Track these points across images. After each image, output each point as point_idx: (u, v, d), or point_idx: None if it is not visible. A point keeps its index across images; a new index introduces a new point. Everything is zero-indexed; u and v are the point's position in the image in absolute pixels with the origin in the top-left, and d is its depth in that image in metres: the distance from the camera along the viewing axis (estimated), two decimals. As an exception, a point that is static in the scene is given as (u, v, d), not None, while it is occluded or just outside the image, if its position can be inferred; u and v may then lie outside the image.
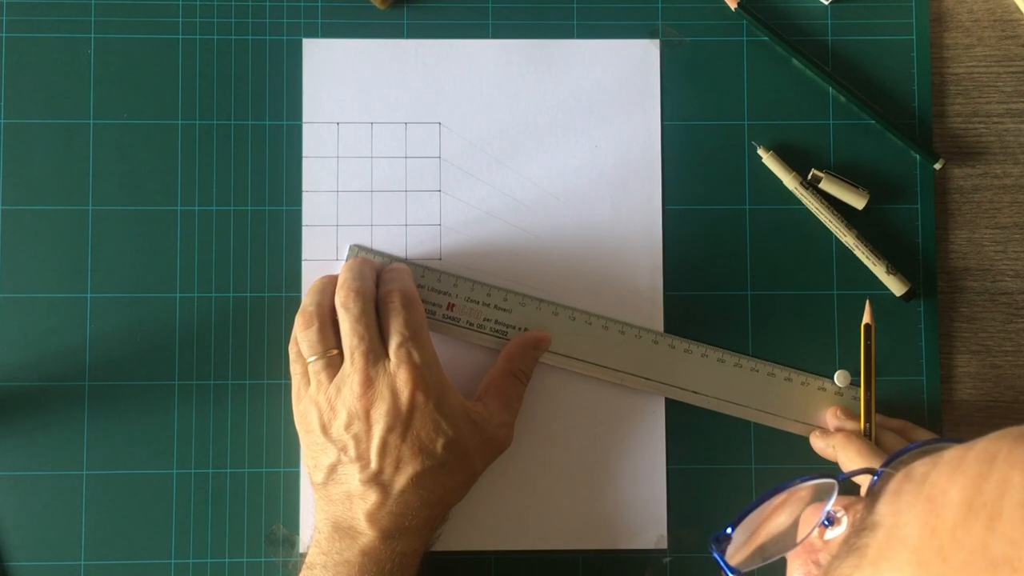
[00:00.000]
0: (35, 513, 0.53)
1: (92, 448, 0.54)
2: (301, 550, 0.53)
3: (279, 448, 0.54)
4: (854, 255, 0.56)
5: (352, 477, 0.47)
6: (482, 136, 0.56)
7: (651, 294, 0.55)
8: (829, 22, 0.57)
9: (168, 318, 0.54)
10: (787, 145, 0.56)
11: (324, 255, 0.55)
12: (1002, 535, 0.27)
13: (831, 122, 0.57)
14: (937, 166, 0.56)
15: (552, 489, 0.55)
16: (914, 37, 0.57)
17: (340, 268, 0.54)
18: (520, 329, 0.54)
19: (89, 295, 0.54)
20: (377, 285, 0.51)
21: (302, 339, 0.50)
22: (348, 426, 0.47)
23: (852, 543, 0.31)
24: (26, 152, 0.55)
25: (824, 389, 0.55)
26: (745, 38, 0.57)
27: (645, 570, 0.54)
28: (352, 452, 0.47)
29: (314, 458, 0.49)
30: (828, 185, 0.55)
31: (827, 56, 0.57)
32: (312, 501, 0.52)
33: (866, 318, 0.53)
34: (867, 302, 0.53)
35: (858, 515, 0.33)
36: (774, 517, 0.39)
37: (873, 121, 0.56)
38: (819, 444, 0.54)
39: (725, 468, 0.55)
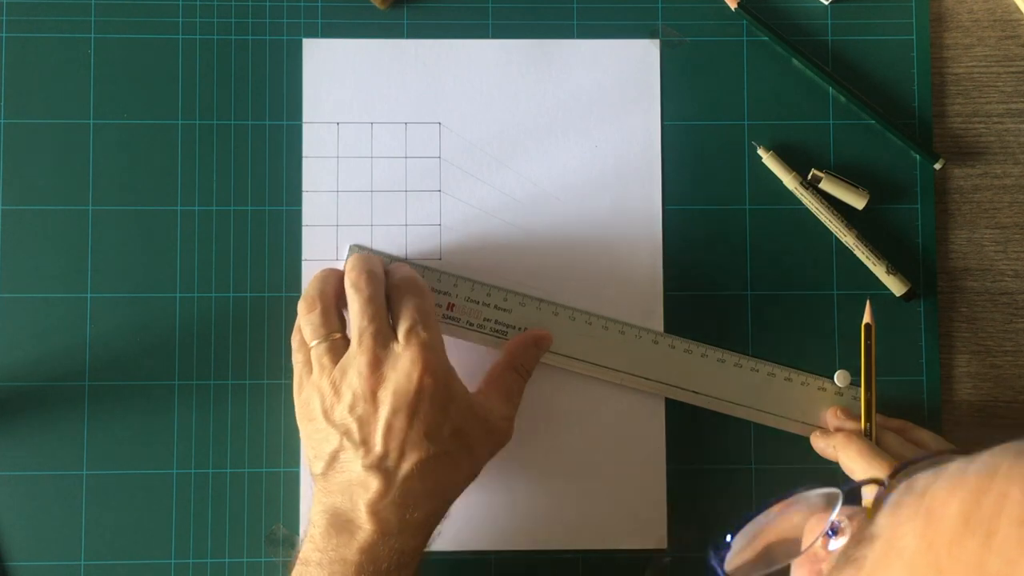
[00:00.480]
0: (35, 513, 0.53)
1: (92, 448, 0.54)
2: (300, 549, 0.53)
3: (279, 448, 0.54)
4: (854, 255, 0.56)
5: (354, 464, 0.46)
6: (482, 136, 0.56)
7: (651, 294, 0.55)
8: (829, 22, 0.57)
9: (168, 318, 0.55)
10: (787, 145, 0.56)
11: (324, 255, 0.55)
12: (998, 552, 0.27)
13: (831, 122, 0.57)
14: (937, 166, 0.56)
15: (552, 489, 0.55)
16: (914, 37, 0.57)
17: (341, 268, 0.54)
18: (520, 329, 0.54)
19: (89, 295, 0.54)
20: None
21: (305, 323, 0.49)
22: (352, 408, 0.47)
23: (850, 554, 0.31)
24: (26, 152, 0.55)
25: (824, 389, 0.55)
26: (745, 38, 0.57)
27: (645, 570, 0.54)
28: (356, 435, 0.46)
29: (315, 447, 0.48)
30: (828, 185, 0.55)
31: (827, 56, 0.57)
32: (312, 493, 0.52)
33: (866, 318, 0.53)
34: (867, 302, 0.53)
35: (858, 526, 0.33)
36: (778, 525, 0.38)
37: (873, 121, 0.56)
38: (819, 444, 0.54)
39: (725, 468, 0.55)
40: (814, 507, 0.38)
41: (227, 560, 0.54)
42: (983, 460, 0.29)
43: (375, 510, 0.46)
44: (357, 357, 0.47)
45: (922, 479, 0.31)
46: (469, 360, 0.54)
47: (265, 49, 0.56)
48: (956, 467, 0.30)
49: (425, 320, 0.48)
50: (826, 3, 0.57)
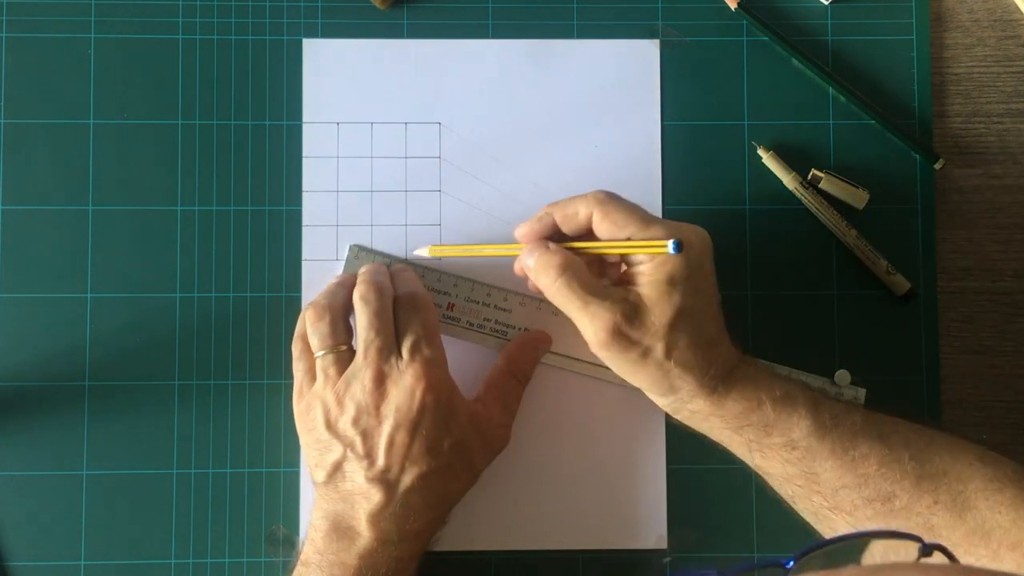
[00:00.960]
0: (35, 513, 0.53)
1: (92, 448, 0.54)
2: (301, 550, 0.53)
3: (279, 448, 0.54)
4: (854, 255, 0.56)
5: (357, 475, 0.47)
6: (482, 136, 0.56)
7: (651, 294, 0.55)
8: (829, 22, 0.57)
9: (168, 318, 0.55)
10: (787, 145, 0.56)
11: (324, 255, 0.55)
12: None
13: (831, 122, 0.57)
14: (937, 166, 0.56)
15: (552, 489, 0.55)
16: (914, 37, 0.57)
17: (340, 268, 0.54)
18: (520, 329, 0.54)
19: (89, 295, 0.54)
20: None
21: (312, 331, 0.49)
22: (356, 421, 0.47)
23: None
24: (26, 152, 0.55)
25: (824, 389, 0.55)
26: (745, 38, 0.57)
27: (645, 570, 0.54)
28: (359, 448, 0.47)
29: (317, 456, 0.48)
30: (828, 185, 0.55)
31: (827, 56, 0.57)
32: (312, 500, 0.52)
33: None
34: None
35: None
36: None
37: (873, 121, 0.56)
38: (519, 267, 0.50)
39: (725, 468, 0.55)
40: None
41: (227, 560, 0.54)
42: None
43: (375, 521, 0.47)
44: (362, 370, 0.47)
45: None
46: (469, 361, 0.54)
47: (265, 49, 0.56)
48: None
49: (429, 336, 0.49)
50: (826, 3, 0.57)
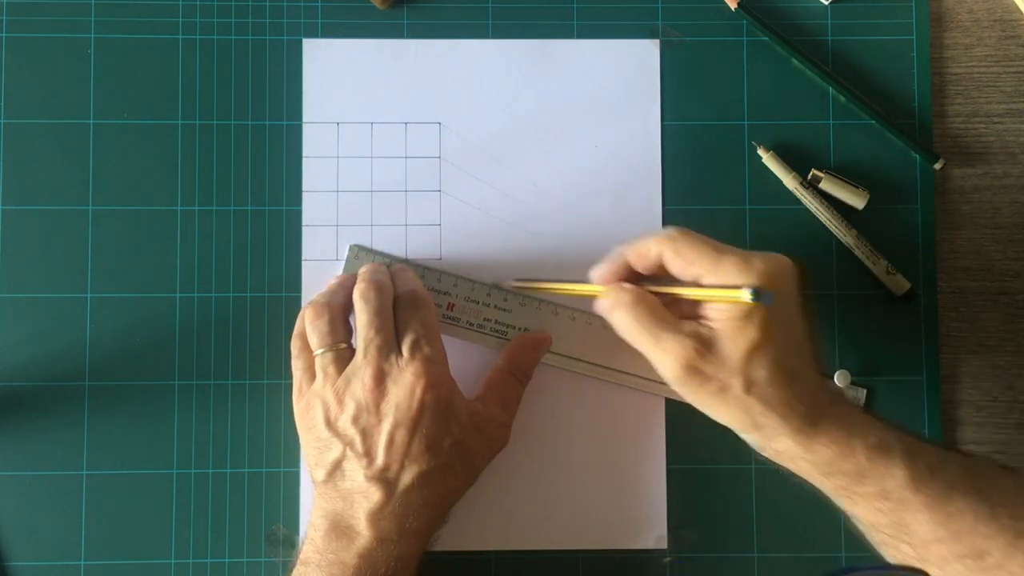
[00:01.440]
0: (35, 513, 0.53)
1: (92, 448, 0.54)
2: (301, 549, 0.53)
3: (279, 448, 0.54)
4: (854, 255, 0.56)
5: (356, 473, 0.47)
6: (482, 136, 0.56)
7: (651, 294, 0.55)
8: (829, 22, 0.57)
9: (168, 318, 0.55)
10: (787, 145, 0.56)
11: (324, 255, 0.55)
12: None
13: (831, 122, 0.57)
14: (937, 166, 0.56)
15: (552, 489, 0.55)
16: (914, 37, 0.57)
17: (340, 268, 0.54)
18: (520, 329, 0.54)
19: (89, 295, 0.54)
20: None
21: (311, 330, 0.49)
22: (356, 419, 0.47)
23: None
24: (26, 152, 0.55)
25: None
26: (745, 38, 0.57)
27: (645, 570, 0.54)
28: (359, 446, 0.47)
29: (317, 455, 0.48)
30: (828, 185, 0.55)
31: (827, 56, 0.57)
32: (312, 500, 0.52)
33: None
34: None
35: None
36: None
37: (873, 121, 0.56)
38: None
39: (725, 468, 0.55)
40: None
41: (227, 560, 0.54)
42: None
43: (375, 519, 0.47)
44: (362, 368, 0.47)
45: None
46: (469, 362, 0.54)
47: (265, 49, 0.56)
48: None
49: (429, 335, 0.49)
50: (826, 3, 0.57)
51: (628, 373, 0.54)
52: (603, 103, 0.56)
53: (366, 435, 0.47)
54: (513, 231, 0.55)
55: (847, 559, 0.54)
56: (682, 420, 0.55)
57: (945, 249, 0.57)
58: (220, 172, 0.55)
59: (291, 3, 0.56)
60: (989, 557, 0.44)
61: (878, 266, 0.55)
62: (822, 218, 0.55)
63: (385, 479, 0.47)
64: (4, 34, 0.55)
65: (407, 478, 0.47)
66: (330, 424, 0.48)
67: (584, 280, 0.50)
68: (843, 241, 0.56)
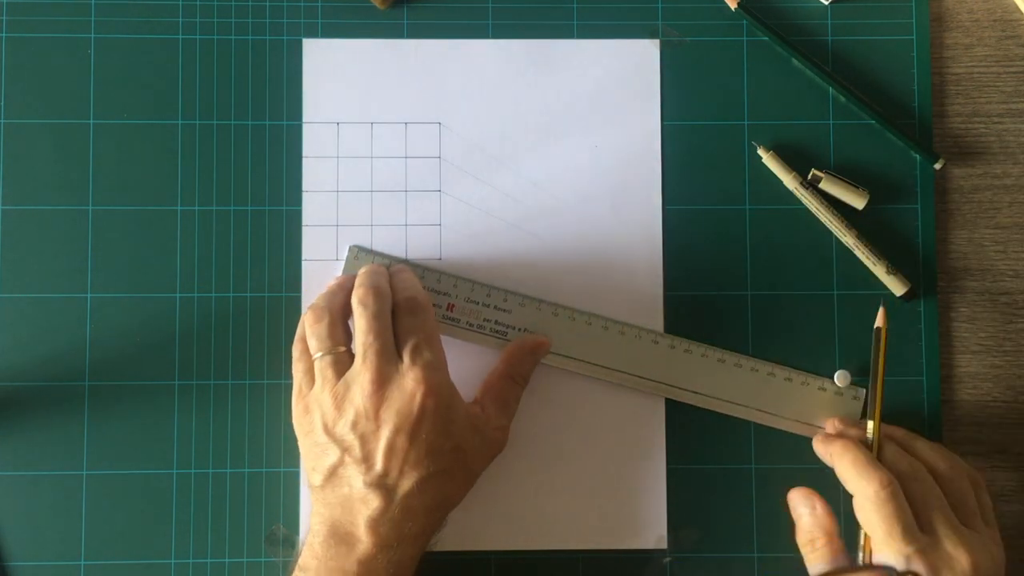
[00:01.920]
0: (35, 513, 0.53)
1: (92, 448, 0.54)
2: (301, 550, 0.53)
3: (279, 448, 0.54)
4: (854, 255, 0.56)
5: (355, 479, 0.47)
6: (482, 136, 0.56)
7: (651, 294, 0.55)
8: (829, 22, 0.57)
9: (168, 318, 0.55)
10: (787, 145, 0.56)
11: (324, 255, 0.55)
12: None
13: (831, 122, 0.57)
14: (937, 166, 0.56)
15: (552, 489, 0.55)
16: (914, 37, 0.57)
17: (340, 268, 0.54)
18: (520, 329, 0.54)
19: (89, 295, 0.54)
20: None
21: (311, 334, 0.49)
22: (355, 425, 0.47)
23: None
24: (26, 152, 0.55)
25: (824, 389, 0.55)
26: (745, 38, 0.57)
27: (645, 570, 0.54)
28: (357, 452, 0.47)
29: (314, 459, 0.48)
30: (828, 185, 0.55)
31: (827, 56, 0.57)
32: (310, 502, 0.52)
33: (878, 321, 0.52)
34: (881, 306, 0.53)
35: None
36: None
37: (873, 121, 0.56)
38: (820, 449, 0.53)
39: (725, 468, 0.55)
40: None
41: (227, 560, 0.54)
42: None
43: (374, 526, 0.47)
44: (361, 374, 0.47)
45: None
46: (468, 363, 0.54)
47: (265, 49, 0.56)
48: None
49: (429, 340, 0.48)
50: (826, 3, 0.57)
51: (628, 373, 0.54)
52: (603, 103, 0.56)
53: (364, 441, 0.47)
54: (513, 231, 0.55)
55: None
56: (682, 420, 0.55)
57: (945, 249, 0.57)
58: (220, 172, 0.55)
59: (291, 3, 0.56)
60: None
61: (878, 266, 0.55)
62: (822, 218, 0.55)
63: (384, 485, 0.47)
64: (4, 34, 0.55)
65: (406, 484, 0.47)
66: (328, 429, 0.47)
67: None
68: (843, 241, 0.56)
